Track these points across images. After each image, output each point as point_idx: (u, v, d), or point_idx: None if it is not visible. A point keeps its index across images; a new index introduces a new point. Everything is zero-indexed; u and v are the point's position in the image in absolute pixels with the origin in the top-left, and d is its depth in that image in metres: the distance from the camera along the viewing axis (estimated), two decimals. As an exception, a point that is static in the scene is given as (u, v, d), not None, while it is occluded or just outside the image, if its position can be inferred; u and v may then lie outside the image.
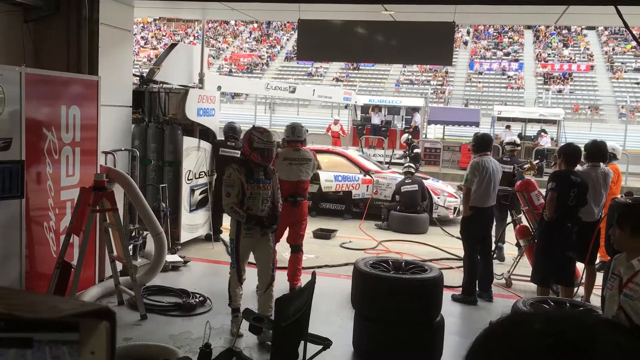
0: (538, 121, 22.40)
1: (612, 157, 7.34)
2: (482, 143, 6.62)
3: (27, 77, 4.96)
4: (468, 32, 42.61)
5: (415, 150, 16.98)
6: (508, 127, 21.56)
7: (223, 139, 8.61)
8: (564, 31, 43.11)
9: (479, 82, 38.53)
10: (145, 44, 46.72)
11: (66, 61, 6.24)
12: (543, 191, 6.41)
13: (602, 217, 6.17)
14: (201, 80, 8.50)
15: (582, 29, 42.67)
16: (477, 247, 6.49)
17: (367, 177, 10.93)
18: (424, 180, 10.65)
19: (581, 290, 6.41)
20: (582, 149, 6.43)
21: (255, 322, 4.17)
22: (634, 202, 3.60)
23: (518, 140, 10.22)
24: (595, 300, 6.17)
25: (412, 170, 10.67)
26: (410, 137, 17.69)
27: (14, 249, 5.05)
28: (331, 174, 10.72)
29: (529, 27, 43.19)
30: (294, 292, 4.00)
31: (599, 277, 6.11)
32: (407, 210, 10.07)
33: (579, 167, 6.51)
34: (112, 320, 0.65)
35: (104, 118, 6.04)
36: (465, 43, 43.00)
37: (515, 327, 0.77)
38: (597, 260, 6.77)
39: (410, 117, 22.50)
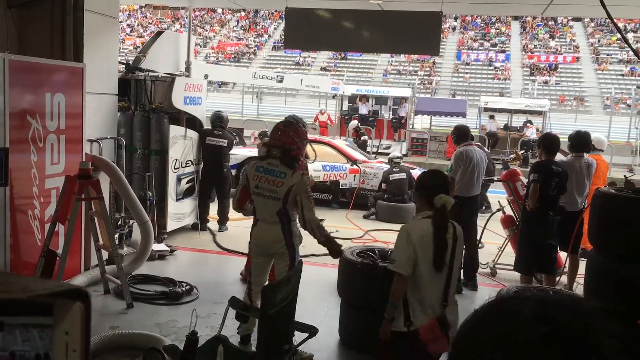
0: (524, 112, 22.56)
1: (594, 148, 7.42)
2: (461, 133, 6.69)
3: (10, 63, 4.90)
4: (455, 18, 42.59)
5: (363, 138, 16.88)
6: (492, 117, 21.69)
7: (210, 128, 8.57)
8: (550, 22, 43.31)
9: (466, 72, 38.65)
10: (131, 31, 46.23)
11: (50, 48, 6.17)
12: (526, 181, 6.47)
13: (585, 206, 6.25)
14: (188, 69, 8.44)
15: (568, 20, 42.91)
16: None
17: (355, 166, 10.96)
18: (411, 170, 10.70)
19: (564, 279, 6.51)
20: (567, 139, 6.50)
21: (242, 311, 4.19)
22: None
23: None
24: (579, 289, 6.27)
25: (399, 160, 10.73)
26: (359, 124, 17.65)
27: (-2, 237, 5.01)
28: (319, 163, 10.72)
29: (515, 18, 43.34)
30: (280, 280, 4.01)
31: (582, 266, 6.19)
32: (395, 198, 10.12)
33: (563, 158, 6.59)
34: (87, 301, 0.65)
35: (89, 106, 5.99)
36: (454, 29, 43.05)
37: (504, 312, 0.75)
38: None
39: (397, 107, 22.53)
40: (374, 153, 15.83)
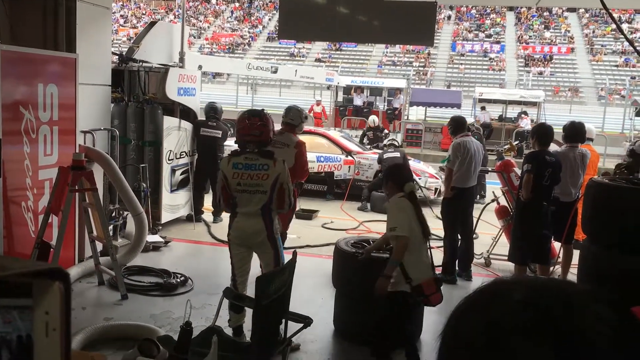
0: (519, 103, 22.58)
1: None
2: (458, 124, 6.69)
3: (2, 54, 4.86)
4: (451, 8, 42.48)
5: (384, 132, 16.35)
6: (483, 108, 21.69)
7: (204, 119, 8.54)
8: (545, 13, 43.28)
9: (461, 63, 38.62)
10: (124, 22, 45.96)
11: (43, 38, 6.12)
12: (520, 171, 6.49)
13: (580, 197, 6.27)
14: (182, 60, 8.39)
15: (563, 11, 42.89)
16: (457, 228, 6.56)
17: (349, 157, 10.96)
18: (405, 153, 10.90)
19: (558, 269, 6.53)
20: (562, 130, 6.51)
21: (235, 301, 4.19)
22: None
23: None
24: (573, 278, 6.30)
25: (396, 144, 10.92)
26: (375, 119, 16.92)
27: (-8, 229, 4.99)
28: (313, 154, 10.70)
29: (510, 9, 43.29)
30: (274, 271, 4.01)
31: (576, 256, 6.22)
32: None
33: (557, 148, 6.60)
34: (66, 280, 0.64)
35: (82, 97, 5.95)
36: (449, 17, 42.97)
37: (495, 297, 0.75)
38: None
39: (392, 98, 22.51)
40: (368, 144, 15.80)
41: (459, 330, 0.75)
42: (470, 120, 11.40)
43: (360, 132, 19.15)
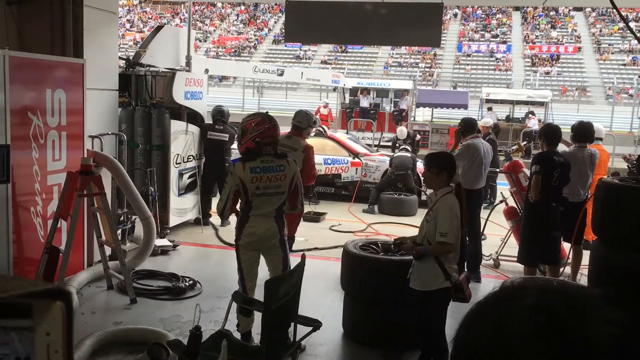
0: (526, 103, 22.49)
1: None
2: (468, 126, 6.67)
3: (10, 60, 4.89)
4: (457, 8, 42.38)
5: (417, 138, 16.22)
6: (490, 109, 21.61)
7: (211, 122, 8.56)
8: (551, 13, 43.10)
9: (467, 64, 38.50)
10: (130, 26, 46.13)
11: (50, 44, 6.15)
12: (528, 172, 6.45)
13: (589, 197, 6.23)
14: (188, 63, 8.41)
15: (569, 10, 42.71)
16: (465, 229, 6.52)
17: (356, 160, 10.96)
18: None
19: (567, 270, 6.49)
20: (570, 130, 6.47)
21: (245, 305, 4.19)
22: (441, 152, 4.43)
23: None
24: (582, 279, 6.26)
25: (408, 148, 11.10)
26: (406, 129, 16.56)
27: (1, 234, 5.01)
28: (320, 157, 10.71)
29: (516, 9, 43.14)
30: (283, 275, 4.01)
31: (586, 257, 6.18)
32: (397, 172, 10.18)
33: (565, 148, 6.56)
34: (67, 300, 0.63)
35: (90, 102, 5.98)
36: (455, 15, 42.86)
37: (506, 301, 0.75)
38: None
39: (398, 100, 22.47)
40: (375, 146, 15.78)
41: (470, 335, 0.76)
42: (489, 120, 11.49)
43: (367, 134, 19.19)
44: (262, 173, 4.25)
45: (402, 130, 14.20)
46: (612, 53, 37.84)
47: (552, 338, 0.67)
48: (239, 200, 4.40)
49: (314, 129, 6.70)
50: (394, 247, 4.58)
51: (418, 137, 16.71)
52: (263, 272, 4.56)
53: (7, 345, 0.60)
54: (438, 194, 3.92)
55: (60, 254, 5.23)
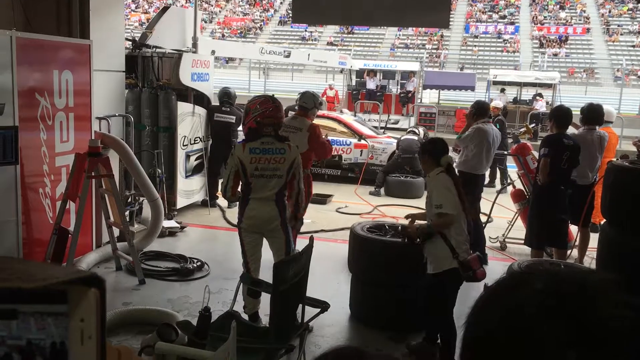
0: (533, 85, 22.31)
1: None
2: (481, 109, 6.59)
3: (17, 41, 4.87)
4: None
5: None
6: (502, 90, 21.46)
7: (218, 104, 8.54)
8: (560, -7, 42.60)
9: (475, 45, 38.17)
10: (136, 7, 45.85)
11: (57, 25, 6.12)
12: (537, 155, 6.42)
13: (597, 180, 6.20)
14: (195, 45, 8.37)
15: (579, -10, 42.17)
16: (472, 213, 6.51)
17: (362, 142, 10.93)
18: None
19: (574, 253, 6.48)
20: (579, 112, 6.42)
21: (253, 287, 4.21)
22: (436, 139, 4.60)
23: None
24: (589, 262, 6.25)
25: (415, 131, 11.02)
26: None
27: (10, 215, 5.03)
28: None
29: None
30: (292, 257, 4.02)
31: (593, 240, 6.17)
32: (404, 156, 10.16)
33: (574, 131, 6.51)
34: (101, 287, 0.64)
35: (96, 83, 5.96)
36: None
37: (517, 287, 0.75)
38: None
39: (405, 81, 22.34)
40: (382, 128, 15.73)
41: (481, 322, 0.76)
42: (500, 103, 11.33)
43: (373, 116, 19.09)
44: (261, 154, 4.27)
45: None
46: (622, 34, 37.40)
47: (566, 323, 0.67)
48: (240, 182, 4.43)
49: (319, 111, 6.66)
50: (402, 238, 4.53)
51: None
52: (269, 254, 4.59)
53: (44, 330, 0.61)
54: (431, 175, 4.19)
55: (69, 235, 5.26)
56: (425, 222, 4.25)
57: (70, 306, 0.62)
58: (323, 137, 6.29)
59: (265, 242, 4.58)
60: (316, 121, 6.52)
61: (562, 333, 0.67)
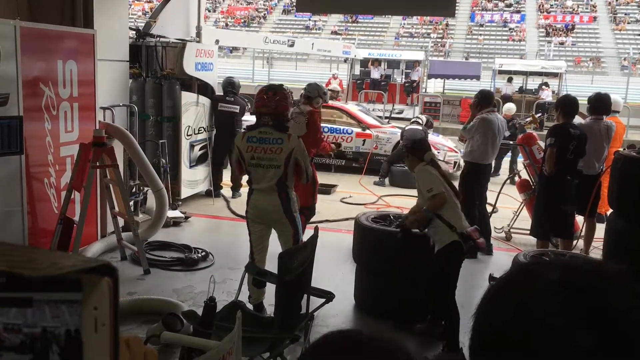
0: (539, 74, 22.20)
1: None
2: (485, 99, 6.54)
3: (22, 30, 4.85)
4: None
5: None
6: (510, 79, 21.33)
7: (222, 94, 8.51)
8: (567, -19, 42.23)
9: (480, 34, 37.95)
10: (139, -4, 45.69)
11: (61, 14, 6.09)
12: (543, 144, 6.38)
13: (604, 170, 6.16)
14: (198, 34, 8.33)
15: (585, -22, 41.80)
16: (475, 203, 6.49)
17: (367, 131, 10.90)
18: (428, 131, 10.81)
19: (580, 243, 6.46)
20: (587, 102, 6.37)
21: (259, 277, 4.21)
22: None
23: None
24: (595, 252, 6.23)
25: (419, 121, 10.83)
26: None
27: (15, 205, 5.04)
28: (326, 126, 10.64)
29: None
30: (297, 247, 4.02)
31: (599, 230, 6.15)
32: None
33: (581, 120, 6.46)
34: (115, 276, 0.65)
35: (100, 73, 5.95)
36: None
37: (528, 279, 0.74)
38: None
39: (409, 71, 22.25)
40: (386, 118, 15.68)
41: (491, 315, 0.75)
42: (512, 108, 11.11)
43: (377, 106, 19.05)
44: (258, 143, 4.26)
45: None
46: (629, 23, 37.10)
47: (580, 313, 0.67)
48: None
49: (323, 101, 6.65)
50: (400, 234, 4.54)
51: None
52: (277, 247, 4.58)
53: (58, 319, 0.62)
54: (416, 170, 4.40)
55: (75, 225, 5.27)
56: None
57: (84, 294, 0.63)
58: (321, 130, 6.31)
59: (274, 233, 4.58)
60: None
61: (582, 324, 0.66)
